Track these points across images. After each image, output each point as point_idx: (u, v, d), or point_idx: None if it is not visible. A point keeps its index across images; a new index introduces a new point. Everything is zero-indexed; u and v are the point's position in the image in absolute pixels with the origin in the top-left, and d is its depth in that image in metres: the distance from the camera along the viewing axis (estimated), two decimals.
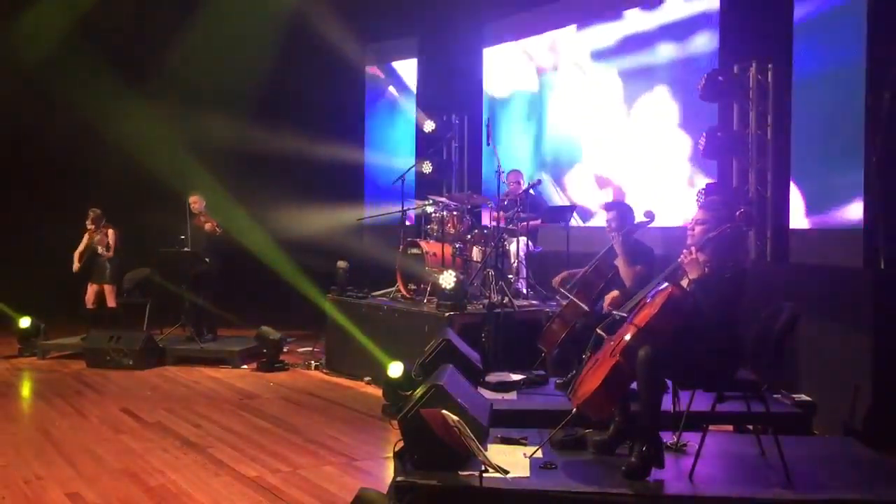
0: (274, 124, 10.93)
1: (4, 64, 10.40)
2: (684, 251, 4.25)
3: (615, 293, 5.22)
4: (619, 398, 4.34)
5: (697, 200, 6.73)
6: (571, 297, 5.73)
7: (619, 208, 5.64)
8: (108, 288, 9.04)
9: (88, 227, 9.04)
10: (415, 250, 7.92)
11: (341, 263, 8.64)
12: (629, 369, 4.09)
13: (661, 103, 8.19)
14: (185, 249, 8.91)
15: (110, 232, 9.06)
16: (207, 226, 8.91)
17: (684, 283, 4.25)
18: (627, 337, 4.17)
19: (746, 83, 6.62)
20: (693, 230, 4.36)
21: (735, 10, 6.95)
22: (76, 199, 9.74)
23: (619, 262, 5.47)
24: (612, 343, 4.30)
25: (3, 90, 10.28)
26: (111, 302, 9.05)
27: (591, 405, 4.21)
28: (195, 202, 9.03)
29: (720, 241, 4.23)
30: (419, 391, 4.43)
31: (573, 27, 9.31)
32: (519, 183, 8.36)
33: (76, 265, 9.01)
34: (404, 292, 7.92)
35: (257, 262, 10.68)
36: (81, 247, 9.05)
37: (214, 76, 11.18)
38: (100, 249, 8.98)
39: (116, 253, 9.05)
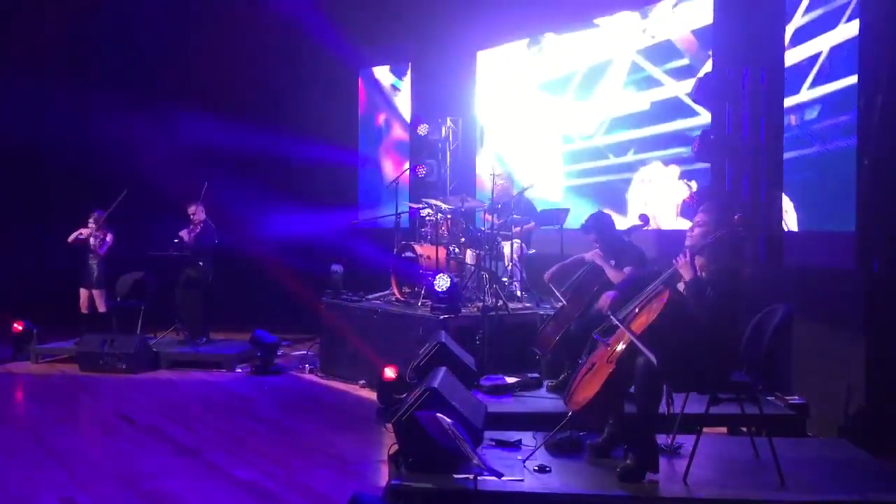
0: (268, 127, 10.92)
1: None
2: (679, 255, 4.25)
3: (611, 294, 5.23)
4: (616, 405, 4.34)
5: (688, 202, 6.75)
6: (563, 300, 5.73)
7: (596, 228, 5.68)
8: (96, 292, 9.00)
9: (90, 225, 9.02)
10: (409, 253, 7.92)
11: (336, 267, 8.63)
12: (626, 376, 4.09)
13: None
14: (176, 253, 8.90)
15: (109, 235, 9.04)
16: (185, 236, 8.92)
17: (681, 286, 4.26)
18: (624, 344, 4.16)
19: (739, 86, 6.64)
20: (692, 232, 4.37)
21: (729, 14, 6.97)
22: (71, 203, 9.72)
23: (606, 271, 5.52)
24: (608, 349, 4.28)
25: None
26: (101, 306, 9.01)
27: (589, 412, 4.22)
28: (193, 212, 9.03)
29: (717, 246, 4.24)
30: (414, 394, 4.43)
31: (570, 27, 9.32)
32: (505, 186, 8.36)
33: (73, 237, 8.98)
34: (398, 295, 7.93)
35: (252, 265, 10.66)
36: (81, 234, 9.01)
37: (210, 78, 11.19)
38: (91, 241, 8.93)
39: (106, 258, 9.01)
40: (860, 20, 5.40)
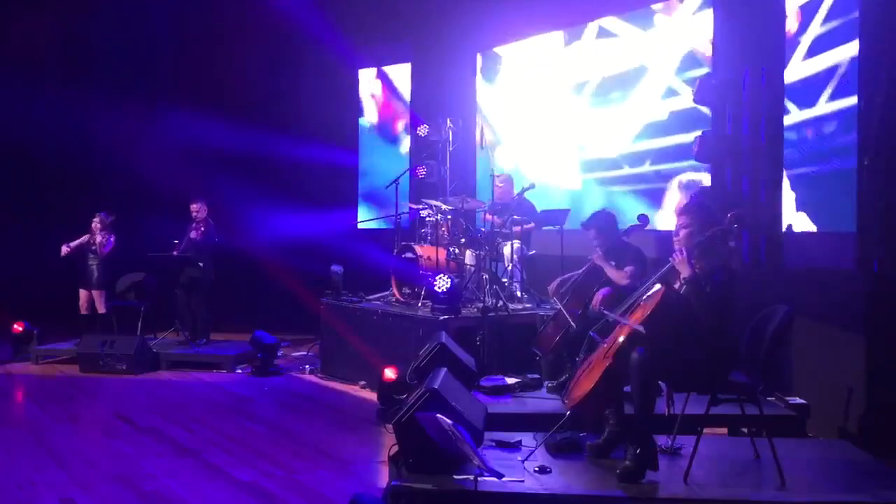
0: (268, 128, 10.93)
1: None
2: (676, 253, 4.27)
3: (605, 291, 5.22)
4: (613, 400, 4.35)
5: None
6: (561, 306, 5.73)
7: (597, 224, 5.67)
8: (96, 294, 9.00)
9: (94, 225, 9.01)
10: (409, 254, 7.92)
11: (336, 268, 8.63)
12: (622, 371, 4.10)
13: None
14: (176, 253, 8.90)
15: (112, 238, 9.03)
16: (192, 234, 8.90)
17: (677, 285, 4.27)
18: (620, 339, 4.18)
19: (740, 87, 6.64)
20: (678, 235, 4.39)
21: (729, 15, 6.97)
22: (71, 204, 9.74)
23: (607, 271, 5.51)
24: (605, 346, 4.31)
25: None
26: (101, 308, 9.00)
27: (585, 407, 4.23)
28: (196, 209, 9.02)
29: (710, 244, 4.26)
30: (414, 395, 4.43)
31: (570, 29, 9.29)
32: (505, 187, 8.36)
33: (64, 250, 8.94)
34: (398, 296, 7.93)
35: (252, 266, 10.66)
36: (76, 242, 8.99)
37: (210, 78, 11.20)
38: (98, 238, 8.91)
39: (107, 259, 9.01)
40: (860, 21, 5.39)
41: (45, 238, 9.52)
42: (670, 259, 4.28)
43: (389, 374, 6.26)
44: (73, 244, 8.95)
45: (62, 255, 8.92)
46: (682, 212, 4.47)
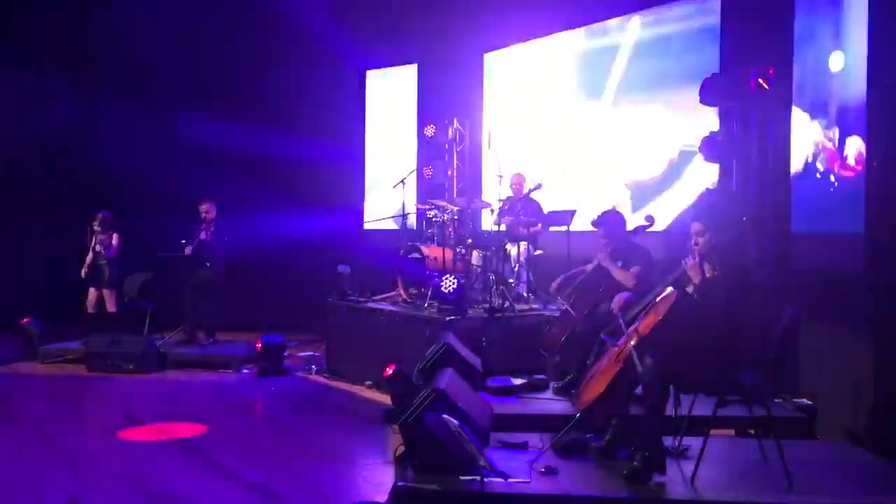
0: (274, 128, 10.94)
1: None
2: (688, 257, 4.24)
3: (625, 295, 5.21)
4: (624, 404, 4.34)
5: (704, 196, 6.71)
6: (567, 305, 5.72)
7: (606, 224, 5.66)
8: (107, 293, 9.02)
9: (95, 228, 9.03)
10: (415, 255, 7.92)
11: (342, 268, 8.63)
12: (633, 376, 4.09)
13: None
14: (183, 254, 8.91)
15: (115, 236, 9.05)
16: (202, 234, 8.92)
17: (689, 289, 4.25)
18: (631, 344, 4.17)
19: (747, 87, 6.62)
20: (696, 243, 4.35)
21: (736, 14, 6.95)
22: (78, 203, 9.75)
23: (613, 273, 5.50)
24: (616, 349, 4.30)
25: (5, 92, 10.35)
26: (111, 307, 9.02)
27: (596, 411, 4.23)
28: (206, 210, 9.03)
29: (726, 249, 4.24)
30: (420, 396, 4.43)
31: (576, 31, 9.27)
32: (521, 185, 8.35)
33: (84, 270, 9.00)
34: (405, 296, 7.92)
35: (258, 266, 10.67)
36: (91, 255, 9.03)
37: (217, 79, 11.21)
38: (98, 247, 8.94)
39: (117, 258, 9.03)
40: (868, 22, 5.36)
41: (51, 238, 9.54)
42: (682, 263, 4.26)
43: (388, 370, 6.24)
44: (89, 260, 9.00)
45: (83, 276, 8.95)
46: (699, 217, 4.44)
